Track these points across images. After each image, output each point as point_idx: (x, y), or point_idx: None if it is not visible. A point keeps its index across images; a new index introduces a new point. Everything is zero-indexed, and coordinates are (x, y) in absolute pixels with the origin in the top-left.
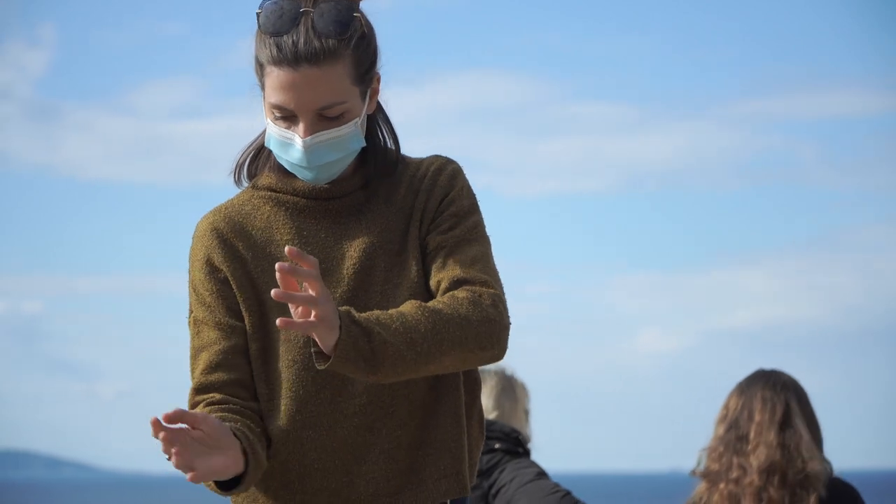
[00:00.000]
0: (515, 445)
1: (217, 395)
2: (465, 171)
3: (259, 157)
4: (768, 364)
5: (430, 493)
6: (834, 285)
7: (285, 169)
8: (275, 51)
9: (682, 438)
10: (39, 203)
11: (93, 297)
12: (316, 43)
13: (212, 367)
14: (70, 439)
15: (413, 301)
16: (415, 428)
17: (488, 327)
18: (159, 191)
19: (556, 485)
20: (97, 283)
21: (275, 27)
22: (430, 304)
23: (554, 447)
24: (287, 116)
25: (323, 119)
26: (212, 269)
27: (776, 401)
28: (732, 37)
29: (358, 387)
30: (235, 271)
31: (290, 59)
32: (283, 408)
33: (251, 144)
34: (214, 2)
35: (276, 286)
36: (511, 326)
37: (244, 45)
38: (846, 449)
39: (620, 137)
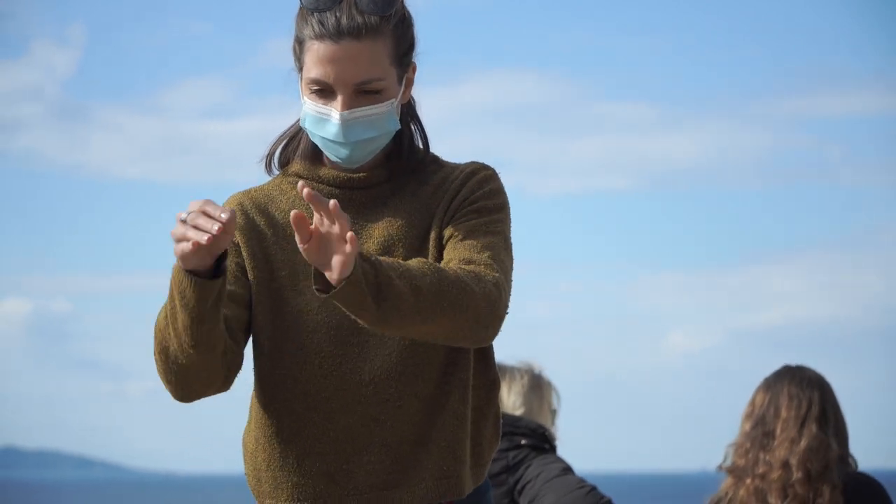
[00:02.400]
0: (542, 441)
1: None
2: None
3: (289, 147)
4: (796, 362)
5: (427, 491)
6: (860, 284)
7: (314, 157)
8: (317, 26)
9: (709, 438)
10: (68, 203)
11: (121, 297)
12: (358, 18)
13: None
14: (99, 439)
15: (420, 258)
16: (419, 424)
17: (487, 304)
18: (186, 190)
19: (582, 480)
20: (125, 282)
21: (318, 4)
22: (437, 265)
23: (581, 446)
24: (325, 92)
25: (360, 95)
26: (233, 246)
27: (802, 397)
28: (759, 36)
29: (365, 376)
30: (250, 242)
31: (332, 33)
32: (289, 390)
33: (284, 133)
34: (242, 2)
35: (294, 267)
36: (506, 319)
37: (272, 45)
38: (876, 448)
39: (648, 137)
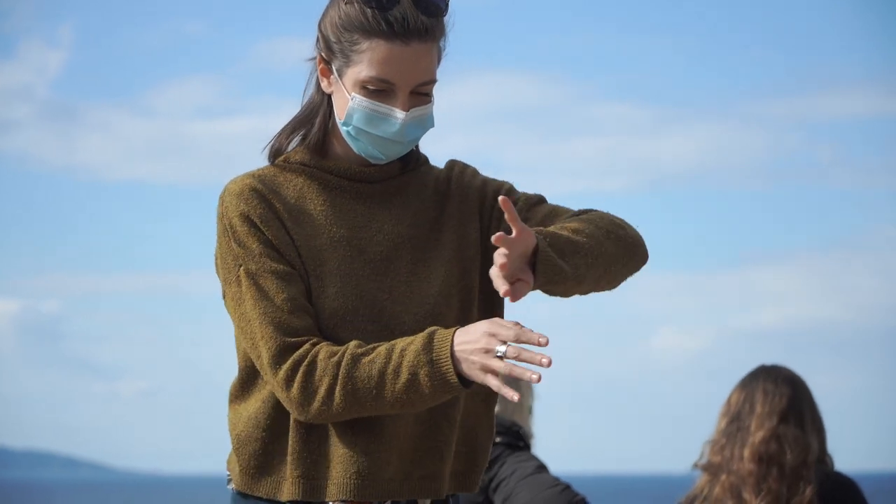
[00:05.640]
0: (516, 439)
1: (323, 342)
2: (484, 172)
3: (292, 137)
4: (789, 363)
5: (413, 488)
6: (854, 285)
7: (317, 148)
8: (384, 25)
9: (701, 439)
10: (58, 203)
11: (112, 297)
12: (424, 19)
13: (293, 310)
14: (87, 439)
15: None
16: (424, 423)
17: (633, 230)
18: (179, 190)
19: (556, 478)
20: (116, 282)
21: (380, 1)
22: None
23: (570, 447)
24: (382, 90)
25: (414, 95)
26: (253, 225)
27: (776, 393)
28: (753, 38)
29: None
30: (279, 231)
31: (401, 34)
32: None
33: (297, 122)
34: (233, 1)
35: (311, 252)
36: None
37: (263, 45)
38: (869, 450)
39: (642, 138)
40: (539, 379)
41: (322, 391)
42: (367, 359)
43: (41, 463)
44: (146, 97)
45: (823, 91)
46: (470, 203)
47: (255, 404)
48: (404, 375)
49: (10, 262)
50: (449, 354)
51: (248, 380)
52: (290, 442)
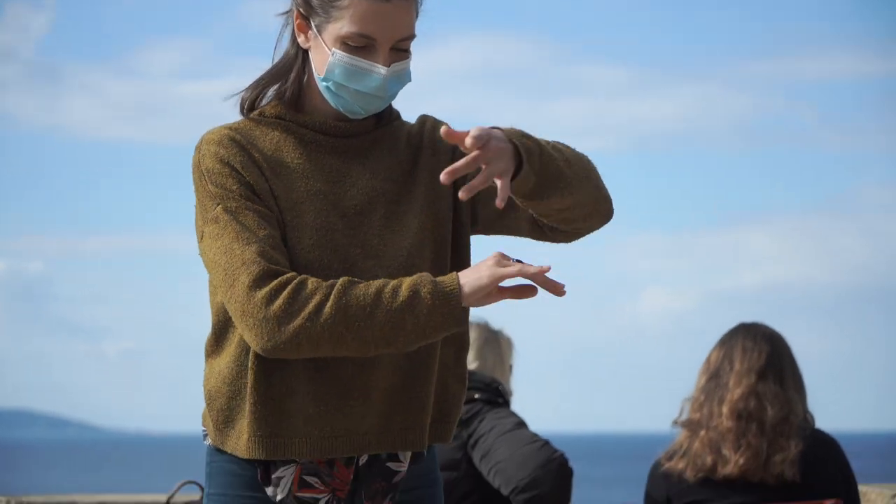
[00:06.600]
0: (495, 396)
1: (296, 274)
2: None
3: (265, 91)
4: (774, 324)
5: (394, 441)
6: (837, 247)
7: (292, 103)
8: None
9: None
10: (42, 164)
11: (97, 258)
12: None
13: (274, 246)
14: (74, 399)
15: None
16: (392, 372)
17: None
18: (162, 151)
19: (535, 435)
20: (101, 243)
21: None
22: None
23: (555, 407)
24: (365, 47)
25: (394, 51)
26: (234, 170)
27: (755, 350)
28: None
29: None
30: (258, 178)
31: None
32: None
33: (269, 77)
34: None
35: (292, 202)
36: None
37: (247, 6)
38: (853, 410)
39: (625, 99)
40: (563, 289)
41: (311, 306)
42: (363, 284)
43: (27, 422)
44: (130, 58)
45: (808, 52)
46: (441, 157)
47: (225, 359)
48: (404, 293)
49: None
50: (455, 277)
51: (221, 334)
52: (248, 397)
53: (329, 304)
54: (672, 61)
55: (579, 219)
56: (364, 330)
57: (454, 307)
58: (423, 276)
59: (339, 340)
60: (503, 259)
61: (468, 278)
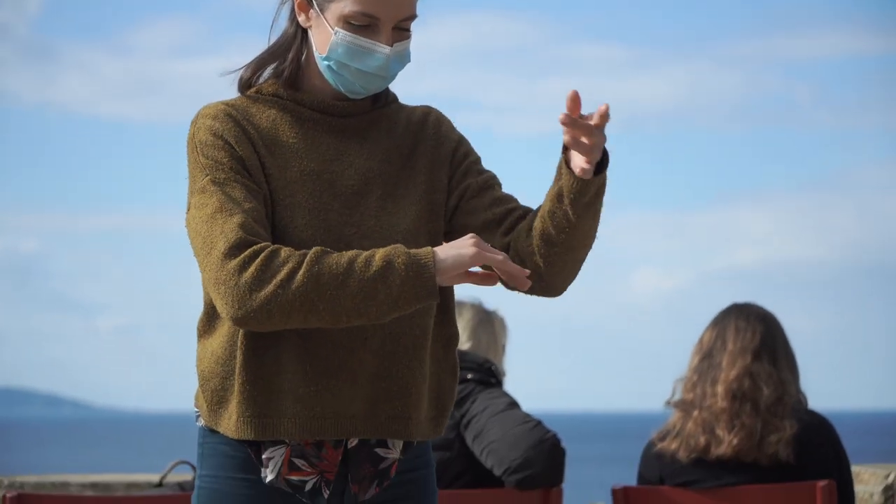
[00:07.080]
0: (488, 376)
1: (271, 244)
2: (462, 112)
3: (263, 70)
4: (768, 303)
5: (379, 427)
6: (831, 225)
7: (290, 81)
8: None
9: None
10: (37, 142)
11: (92, 235)
12: None
13: (257, 220)
14: (69, 377)
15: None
16: (383, 359)
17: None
18: (156, 129)
19: (527, 415)
20: (96, 221)
21: None
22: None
23: (548, 386)
24: (367, 26)
25: (396, 31)
26: (227, 144)
27: (749, 330)
28: None
29: None
30: (251, 154)
31: None
32: None
33: (268, 55)
34: None
35: (285, 181)
36: None
37: None
38: (845, 388)
39: (619, 78)
40: (530, 276)
41: (283, 273)
42: (337, 254)
43: (22, 401)
44: (124, 36)
45: (801, 31)
46: (444, 151)
47: (218, 339)
48: (377, 263)
49: None
50: (430, 251)
51: (213, 313)
52: (237, 377)
53: (301, 271)
54: (666, 40)
55: (557, 266)
56: (336, 299)
57: (427, 279)
58: (398, 248)
59: (311, 309)
60: (482, 242)
61: (447, 253)
